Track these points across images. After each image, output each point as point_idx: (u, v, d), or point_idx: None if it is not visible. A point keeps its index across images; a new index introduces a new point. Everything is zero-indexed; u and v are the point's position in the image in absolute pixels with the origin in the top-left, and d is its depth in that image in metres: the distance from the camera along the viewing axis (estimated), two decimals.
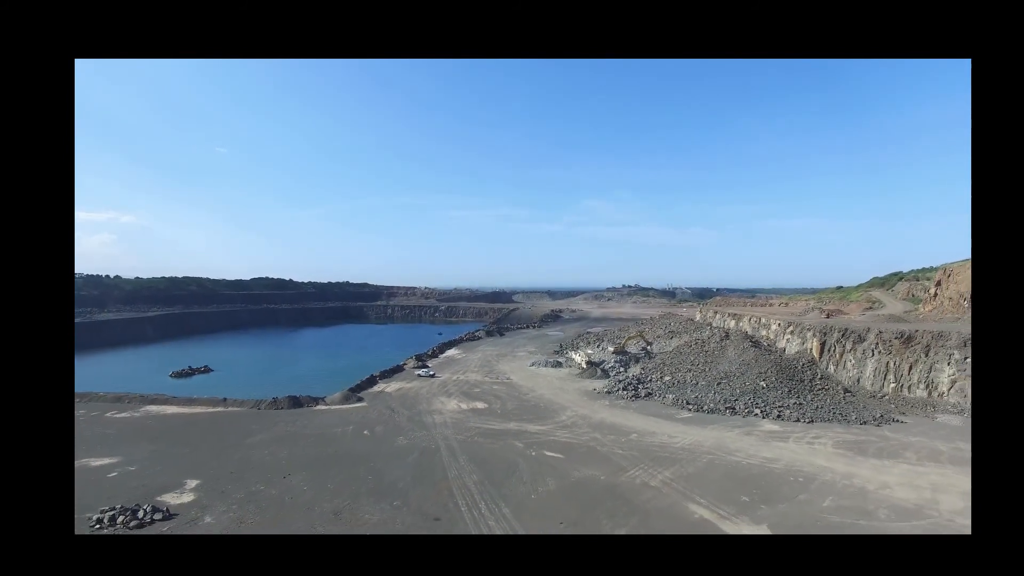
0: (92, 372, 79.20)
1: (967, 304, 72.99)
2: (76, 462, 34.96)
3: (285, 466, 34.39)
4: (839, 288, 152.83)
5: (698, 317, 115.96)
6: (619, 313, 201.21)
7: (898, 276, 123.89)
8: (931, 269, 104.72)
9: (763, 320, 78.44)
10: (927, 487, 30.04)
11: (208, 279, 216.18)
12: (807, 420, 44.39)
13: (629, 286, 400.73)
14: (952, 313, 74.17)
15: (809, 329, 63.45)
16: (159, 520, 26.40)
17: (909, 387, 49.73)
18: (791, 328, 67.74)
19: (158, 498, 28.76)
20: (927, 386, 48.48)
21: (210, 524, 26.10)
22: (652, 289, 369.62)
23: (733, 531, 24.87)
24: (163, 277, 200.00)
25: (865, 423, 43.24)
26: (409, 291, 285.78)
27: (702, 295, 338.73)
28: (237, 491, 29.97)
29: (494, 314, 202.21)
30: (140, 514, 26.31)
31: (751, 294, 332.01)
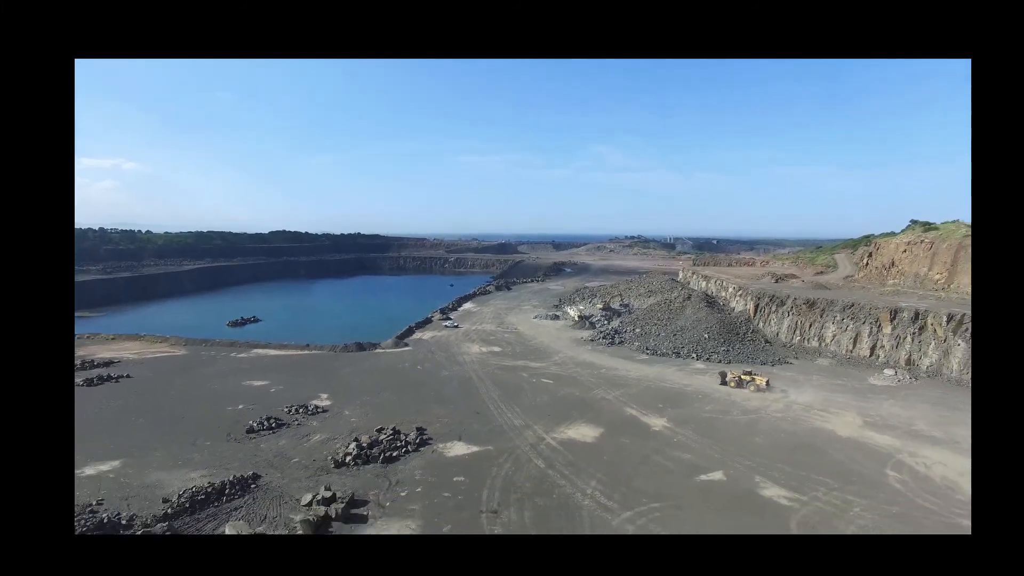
0: (162, 320, 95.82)
1: (886, 273, 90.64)
2: (243, 383, 54.14)
3: (375, 387, 53.48)
4: (817, 248, 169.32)
5: (681, 276, 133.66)
6: (619, 265, 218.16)
7: (867, 239, 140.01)
8: (894, 233, 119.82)
9: (724, 283, 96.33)
10: (771, 400, 49.03)
11: (231, 233, 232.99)
12: (727, 361, 63.21)
13: (631, 237, 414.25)
14: (877, 280, 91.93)
15: (751, 293, 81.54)
16: (319, 412, 45.54)
17: (808, 339, 68.31)
18: (740, 292, 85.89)
19: (311, 403, 47.89)
20: (818, 339, 67.04)
21: (348, 416, 45.12)
22: (653, 241, 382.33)
23: (644, 420, 43.78)
24: (190, 232, 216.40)
25: (765, 363, 62.09)
26: (419, 242, 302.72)
27: (702, 247, 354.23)
28: (354, 400, 49.07)
29: (500, 266, 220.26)
30: (312, 405, 45.66)
31: (751, 246, 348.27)
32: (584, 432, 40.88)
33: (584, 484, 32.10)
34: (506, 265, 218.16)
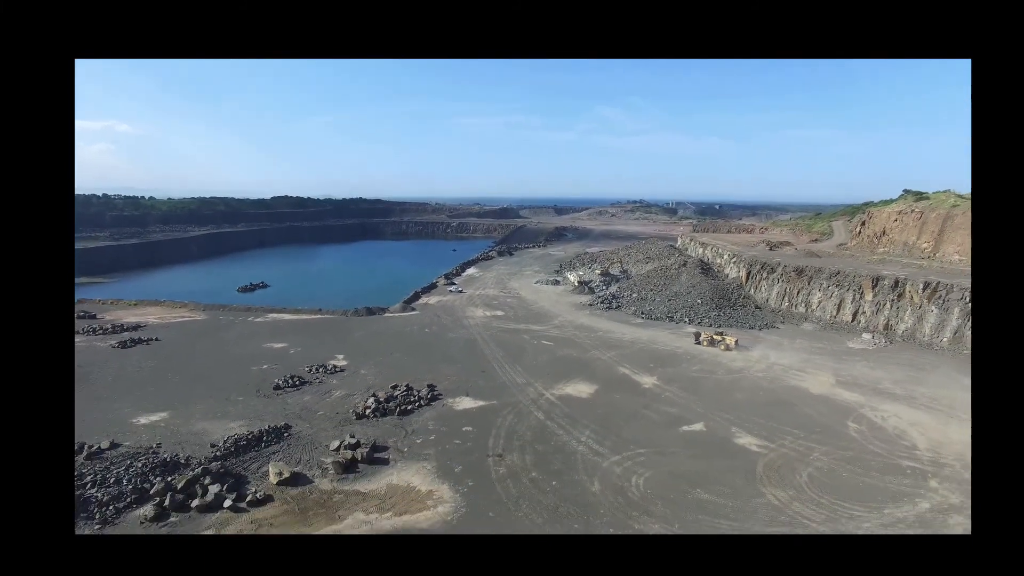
0: (173, 287, 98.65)
1: (877, 241, 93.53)
2: (263, 345, 58.16)
3: (386, 349, 57.47)
4: (817, 215, 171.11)
5: (679, 243, 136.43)
6: (620, 231, 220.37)
7: (867, 205, 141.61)
8: (891, 201, 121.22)
9: (720, 250, 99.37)
10: (754, 360, 53.03)
11: (233, 199, 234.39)
12: (717, 326, 66.99)
13: (634, 201, 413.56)
14: (868, 248, 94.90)
15: (744, 261, 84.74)
16: (337, 371, 49.63)
17: (795, 305, 71.94)
18: (734, 259, 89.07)
19: (328, 363, 51.93)
20: (805, 305, 70.66)
21: (364, 374, 49.18)
22: (656, 206, 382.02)
23: (635, 379, 47.84)
24: (193, 198, 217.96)
25: (752, 328, 65.95)
26: (420, 207, 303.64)
27: (704, 212, 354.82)
28: (368, 361, 53.10)
29: (502, 231, 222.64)
30: (330, 365, 49.79)
31: (753, 211, 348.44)
32: (580, 389, 45.03)
33: (579, 433, 36.32)
34: (508, 230, 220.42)
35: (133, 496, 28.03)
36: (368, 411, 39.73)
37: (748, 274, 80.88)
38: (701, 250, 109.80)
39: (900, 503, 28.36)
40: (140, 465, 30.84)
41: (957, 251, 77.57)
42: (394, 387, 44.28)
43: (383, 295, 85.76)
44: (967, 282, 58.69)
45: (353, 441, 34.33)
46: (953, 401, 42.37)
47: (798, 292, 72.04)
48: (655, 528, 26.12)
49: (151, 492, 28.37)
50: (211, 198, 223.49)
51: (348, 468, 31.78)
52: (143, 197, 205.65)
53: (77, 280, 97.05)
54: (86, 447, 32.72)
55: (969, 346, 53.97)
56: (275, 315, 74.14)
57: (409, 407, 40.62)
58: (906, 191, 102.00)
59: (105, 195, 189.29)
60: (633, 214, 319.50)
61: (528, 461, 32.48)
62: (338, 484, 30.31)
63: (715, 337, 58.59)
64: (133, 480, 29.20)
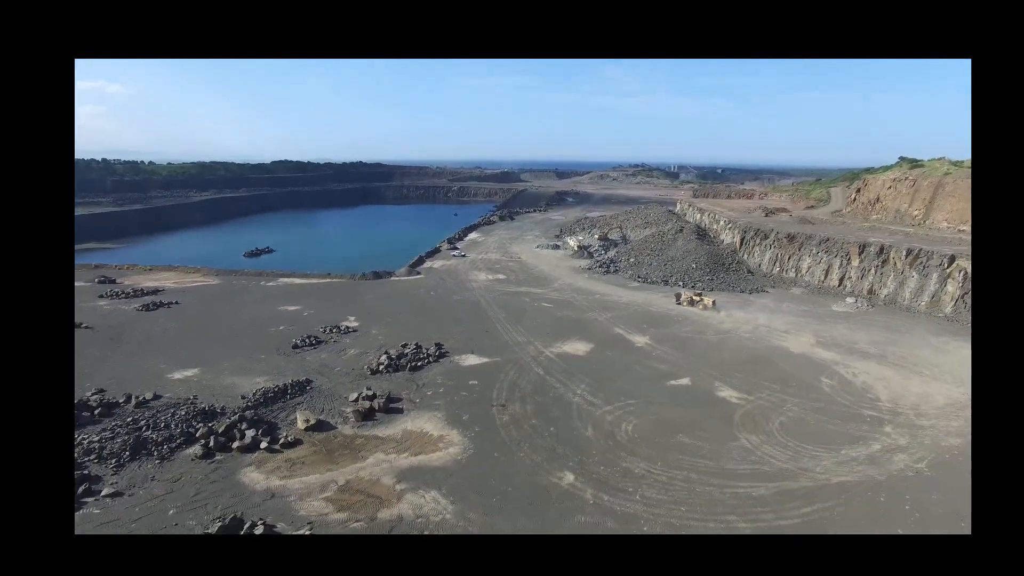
0: (180, 252, 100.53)
1: (871, 208, 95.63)
2: (277, 308, 61.45)
3: (395, 311, 60.78)
4: (817, 180, 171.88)
5: (678, 208, 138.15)
6: (621, 195, 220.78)
7: (867, 172, 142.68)
8: (887, 168, 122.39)
9: (716, 216, 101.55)
10: (740, 321, 56.43)
11: (233, 163, 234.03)
12: (710, 289, 70.14)
13: (635, 165, 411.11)
14: (861, 215, 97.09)
15: (739, 227, 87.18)
16: (350, 331, 53.08)
17: (786, 271, 74.91)
18: (730, 225, 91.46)
19: (341, 324, 55.31)
20: (795, 270, 73.61)
21: (375, 334, 52.62)
22: (657, 170, 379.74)
23: (629, 338, 51.29)
24: (193, 163, 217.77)
25: (743, 291, 69.13)
26: (421, 170, 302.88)
27: (706, 176, 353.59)
28: (378, 322, 56.48)
29: (503, 195, 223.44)
30: (343, 326, 53.25)
31: (755, 176, 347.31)
32: (577, 347, 48.56)
33: (575, 386, 39.95)
34: (509, 194, 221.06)
35: (182, 438, 31.77)
36: (381, 367, 43.29)
37: (742, 240, 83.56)
38: (699, 216, 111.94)
39: (856, 445, 32.11)
40: (183, 413, 34.52)
41: (946, 219, 80.00)
42: (404, 345, 47.76)
43: (388, 259, 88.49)
44: (947, 248, 61.49)
45: (370, 393, 37.94)
46: (920, 359, 45.90)
47: (789, 258, 74.91)
48: (640, 466, 29.89)
49: (196, 435, 32.09)
50: (211, 163, 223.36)
51: (367, 416, 35.46)
52: (143, 162, 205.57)
53: (85, 245, 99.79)
54: (133, 397, 36.43)
55: (945, 309, 57.23)
56: (285, 279, 77.21)
57: (419, 363, 44.18)
58: (902, 158, 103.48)
59: (104, 160, 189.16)
60: (635, 178, 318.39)
61: (529, 410, 36.18)
62: (359, 430, 34.03)
63: (694, 298, 62.90)
64: (180, 425, 32.91)
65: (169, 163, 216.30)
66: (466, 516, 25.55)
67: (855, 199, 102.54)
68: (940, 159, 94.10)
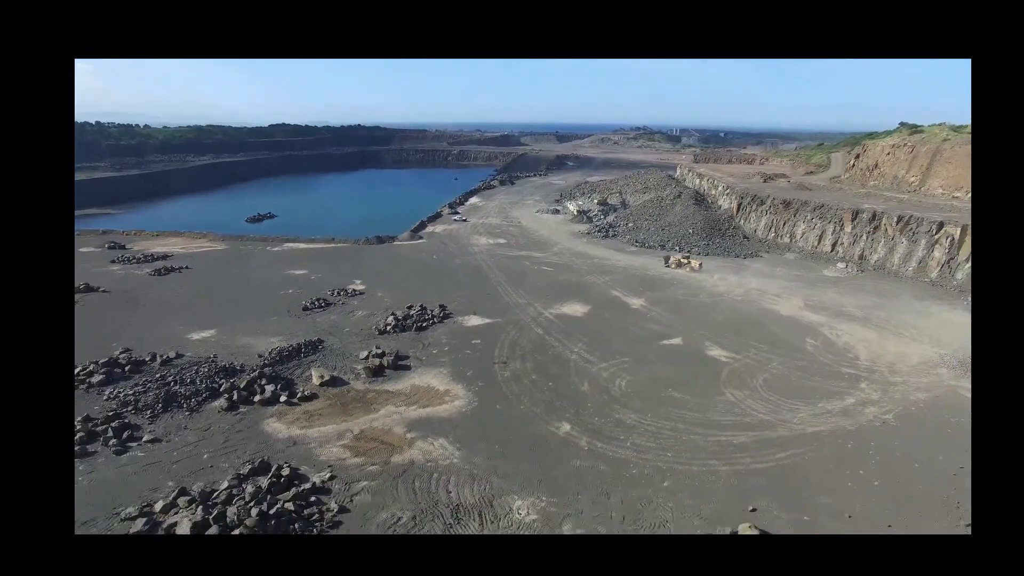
0: (181, 217, 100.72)
1: (869, 174, 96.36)
2: (285, 272, 63.35)
3: (399, 274, 62.72)
4: (820, 145, 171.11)
5: (677, 173, 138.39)
6: (622, 159, 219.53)
7: (870, 136, 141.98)
8: (887, 133, 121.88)
9: (715, 181, 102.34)
10: (733, 285, 58.54)
11: (231, 127, 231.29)
12: (705, 254, 71.97)
13: (637, 128, 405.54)
14: (859, 181, 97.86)
15: (736, 192, 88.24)
16: (357, 294, 55.16)
17: (780, 236, 76.52)
18: (727, 191, 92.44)
19: (348, 287, 57.34)
20: (789, 236, 75.23)
21: (381, 296, 54.72)
22: (659, 133, 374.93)
23: (625, 300, 53.44)
24: (190, 126, 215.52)
25: (738, 256, 70.94)
26: (420, 134, 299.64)
27: (708, 140, 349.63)
28: (383, 285, 58.50)
29: (504, 158, 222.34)
30: (350, 289, 55.33)
31: (759, 140, 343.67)
32: (575, 309, 50.79)
33: (572, 345, 42.32)
34: (509, 158, 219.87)
35: (207, 393, 34.22)
36: (388, 327, 45.55)
37: (739, 206, 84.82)
38: (698, 181, 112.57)
39: (832, 399, 34.63)
40: (206, 370, 36.90)
41: (941, 185, 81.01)
42: (409, 307, 49.92)
43: (390, 224, 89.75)
44: (938, 215, 62.98)
45: (379, 351, 40.28)
46: (902, 322, 48.16)
47: (784, 224, 76.41)
48: (632, 417, 32.42)
49: (220, 390, 34.53)
50: (208, 126, 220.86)
51: (377, 373, 37.87)
52: (137, 125, 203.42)
53: (86, 211, 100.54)
54: (157, 356, 38.78)
55: (931, 274, 59.20)
56: (291, 244, 78.81)
57: (424, 324, 46.45)
58: (903, 124, 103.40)
59: (98, 123, 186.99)
60: (636, 142, 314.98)
61: (528, 367, 38.61)
62: (370, 385, 36.49)
63: (682, 260, 65.86)
64: (204, 381, 35.32)
65: (165, 127, 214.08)
66: (471, 460, 28.17)
67: (854, 165, 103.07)
68: (940, 125, 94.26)
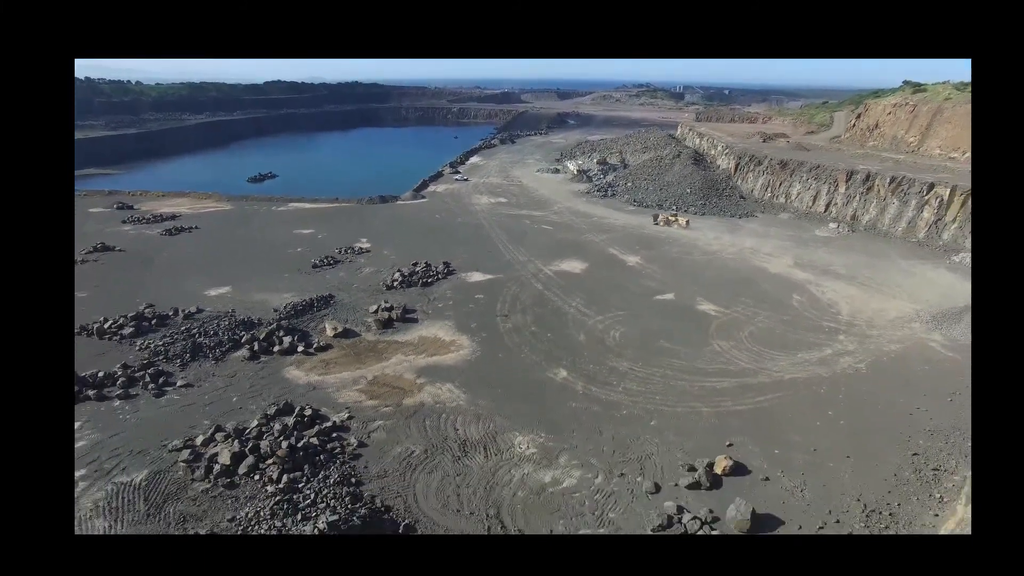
0: (181, 178, 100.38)
1: (869, 134, 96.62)
2: (292, 231, 65.13)
3: (403, 233, 64.56)
4: (823, 103, 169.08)
5: (678, 132, 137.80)
6: (624, 117, 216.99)
7: (875, 94, 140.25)
8: (890, 91, 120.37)
9: (714, 141, 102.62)
10: (727, 244, 60.58)
11: (225, 84, 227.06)
12: (701, 213, 73.59)
13: (640, 85, 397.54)
14: (859, 141, 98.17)
15: (734, 152, 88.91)
16: (364, 252, 57.19)
17: (776, 196, 77.88)
18: (726, 151, 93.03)
19: (354, 245, 59.29)
20: (785, 196, 76.60)
21: (387, 254, 56.75)
22: (662, 90, 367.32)
23: (622, 258, 55.57)
24: (184, 83, 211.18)
25: (733, 216, 72.60)
26: (419, 91, 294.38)
27: (712, 98, 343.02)
28: (389, 243, 60.43)
29: (504, 116, 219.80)
30: (357, 247, 57.37)
31: (763, 97, 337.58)
32: (574, 266, 53.01)
33: (570, 300, 44.75)
34: (509, 116, 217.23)
35: (230, 344, 36.79)
36: (395, 283, 47.86)
37: (737, 166, 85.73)
38: (698, 141, 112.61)
39: (811, 350, 37.26)
40: (226, 323, 39.36)
41: (939, 146, 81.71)
42: (415, 264, 52.08)
43: (391, 183, 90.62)
44: (930, 176, 64.27)
45: (387, 305, 42.68)
46: (885, 280, 50.42)
47: (780, 184, 77.64)
48: (624, 365, 35.08)
49: (242, 341, 37.09)
50: (202, 83, 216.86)
51: (386, 325, 40.39)
52: (129, 82, 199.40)
53: (85, 171, 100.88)
54: (180, 310, 41.20)
55: (919, 235, 61.06)
56: (295, 204, 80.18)
57: (429, 280, 48.75)
58: (905, 82, 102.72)
59: (87, 79, 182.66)
60: (638, 99, 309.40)
61: (529, 320, 41.16)
62: (380, 336, 39.07)
63: (670, 218, 68.50)
64: (226, 333, 37.83)
65: (158, 83, 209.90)
66: (476, 403, 30.96)
67: (855, 125, 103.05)
68: (944, 83, 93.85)
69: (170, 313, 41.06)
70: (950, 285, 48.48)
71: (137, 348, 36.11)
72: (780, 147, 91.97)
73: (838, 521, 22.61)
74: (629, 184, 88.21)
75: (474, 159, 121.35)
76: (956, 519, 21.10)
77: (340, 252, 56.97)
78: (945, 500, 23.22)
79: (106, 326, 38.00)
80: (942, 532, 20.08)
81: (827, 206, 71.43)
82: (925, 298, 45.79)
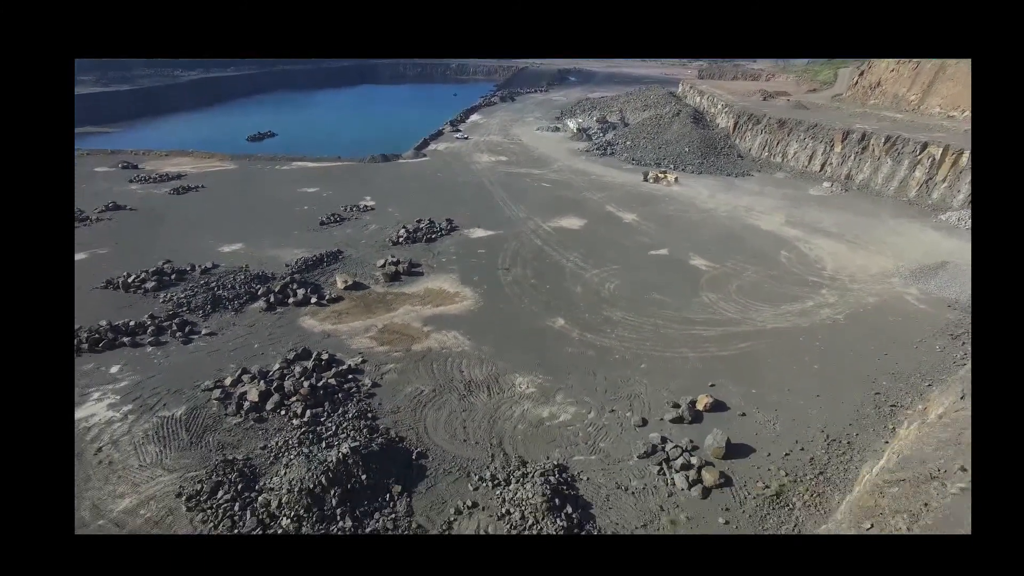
0: (180, 136, 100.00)
1: (871, 92, 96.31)
2: (298, 190, 66.50)
3: (406, 191, 65.96)
4: (829, 60, 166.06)
5: (679, 90, 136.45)
6: (626, 73, 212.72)
7: None
8: None
9: (714, 99, 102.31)
10: (722, 202, 62.24)
11: None
12: (698, 172, 74.76)
13: None
14: (861, 99, 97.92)
15: (734, 111, 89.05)
16: (368, 210, 58.89)
17: (774, 155, 78.78)
18: (726, 109, 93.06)
19: (359, 203, 60.88)
20: (782, 155, 77.52)
21: (391, 211, 58.39)
22: None
23: (619, 215, 57.34)
24: None
25: (729, 175, 73.83)
26: None
27: None
28: (393, 201, 61.97)
29: (504, 73, 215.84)
30: (362, 205, 59.06)
31: None
32: (572, 222, 54.89)
33: (568, 254, 46.91)
34: (509, 73, 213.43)
35: (247, 296, 39.12)
36: (400, 239, 49.85)
37: (735, 124, 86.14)
38: (698, 99, 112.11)
39: (794, 303, 39.65)
40: (242, 277, 41.55)
41: (939, 104, 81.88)
42: (419, 221, 53.90)
43: (392, 142, 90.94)
44: (925, 136, 65.19)
45: (394, 260, 44.82)
46: (872, 237, 52.38)
47: (778, 143, 78.40)
48: (618, 314, 37.52)
49: (258, 293, 39.39)
50: None
51: (393, 278, 42.64)
52: None
53: (83, 129, 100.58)
54: (197, 266, 43.35)
55: (909, 194, 62.55)
56: (299, 163, 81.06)
57: (433, 236, 50.74)
58: None
59: None
60: None
61: (528, 273, 43.43)
62: (388, 288, 41.37)
63: (659, 175, 70.49)
64: (242, 286, 40.09)
65: None
66: (480, 348, 33.53)
67: (856, 83, 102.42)
68: None
69: (188, 268, 43.20)
70: (933, 243, 50.49)
71: (161, 300, 38.44)
72: (779, 105, 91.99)
73: (803, 449, 25.47)
74: (628, 143, 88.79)
75: (474, 117, 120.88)
76: (898, 438, 23.84)
77: (346, 210, 58.63)
78: (896, 431, 26.00)
79: (130, 280, 40.23)
80: (885, 455, 22.77)
81: (822, 165, 72.51)
82: (907, 255, 47.87)
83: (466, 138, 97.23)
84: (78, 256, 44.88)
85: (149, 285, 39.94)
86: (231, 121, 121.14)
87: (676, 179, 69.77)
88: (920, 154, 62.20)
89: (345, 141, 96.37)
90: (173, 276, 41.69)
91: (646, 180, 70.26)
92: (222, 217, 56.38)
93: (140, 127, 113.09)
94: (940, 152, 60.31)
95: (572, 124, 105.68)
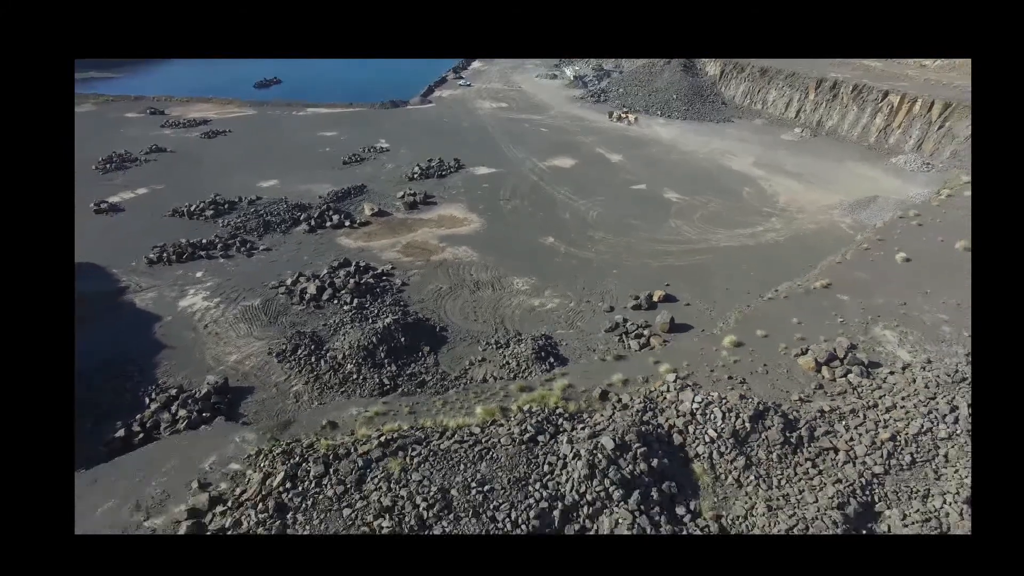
0: (187, 83, 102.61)
1: None
2: (317, 134, 73.10)
3: (416, 135, 72.64)
4: None
5: None
6: None
7: None
8: None
9: None
10: (701, 145, 69.30)
11: None
12: (683, 119, 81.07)
13: None
14: None
15: (720, 59, 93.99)
16: (384, 151, 65.89)
17: (755, 103, 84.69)
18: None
19: (375, 145, 67.78)
20: (762, 103, 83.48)
21: (404, 153, 65.46)
22: None
23: (607, 156, 64.56)
24: None
25: (712, 121, 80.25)
26: None
27: None
28: (405, 143, 68.83)
29: None
30: (378, 147, 66.10)
31: None
32: (565, 162, 62.26)
33: (560, 188, 54.65)
34: None
35: (291, 221, 47.07)
36: (415, 175, 57.34)
37: (722, 72, 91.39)
38: None
39: (746, 228, 47.70)
40: (284, 207, 49.36)
41: None
42: (430, 160, 61.12)
43: (397, 88, 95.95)
44: (886, 84, 71.21)
45: (412, 191, 52.50)
46: (826, 177, 59.79)
47: (759, 91, 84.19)
48: (599, 235, 45.62)
49: (300, 219, 47.34)
50: None
51: (412, 207, 50.49)
52: None
53: (86, 74, 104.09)
54: (243, 198, 51.07)
55: (869, 139, 69.29)
56: (313, 109, 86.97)
57: (443, 173, 58.25)
58: None
59: None
60: None
61: (526, 204, 51.33)
62: (408, 215, 49.30)
63: (622, 115, 79.76)
64: (285, 213, 47.98)
65: None
66: (485, 259, 41.81)
67: None
68: None
69: (236, 200, 50.91)
70: (875, 181, 57.96)
71: (221, 225, 46.41)
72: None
73: (723, 324, 34.13)
74: (620, 91, 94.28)
75: (476, 64, 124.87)
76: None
77: (364, 151, 65.67)
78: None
79: (191, 209, 48.06)
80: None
81: (797, 112, 78.68)
82: (853, 192, 55.42)
83: (468, 85, 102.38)
84: (140, 191, 52.60)
85: (208, 213, 47.81)
86: (235, 67, 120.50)
87: (636, 119, 79.09)
88: (881, 102, 68.54)
89: (351, 87, 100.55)
90: (226, 206, 49.48)
91: (611, 119, 79.55)
92: (254, 158, 63.48)
93: (143, 72, 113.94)
94: (898, 100, 66.66)
95: (569, 72, 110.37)
